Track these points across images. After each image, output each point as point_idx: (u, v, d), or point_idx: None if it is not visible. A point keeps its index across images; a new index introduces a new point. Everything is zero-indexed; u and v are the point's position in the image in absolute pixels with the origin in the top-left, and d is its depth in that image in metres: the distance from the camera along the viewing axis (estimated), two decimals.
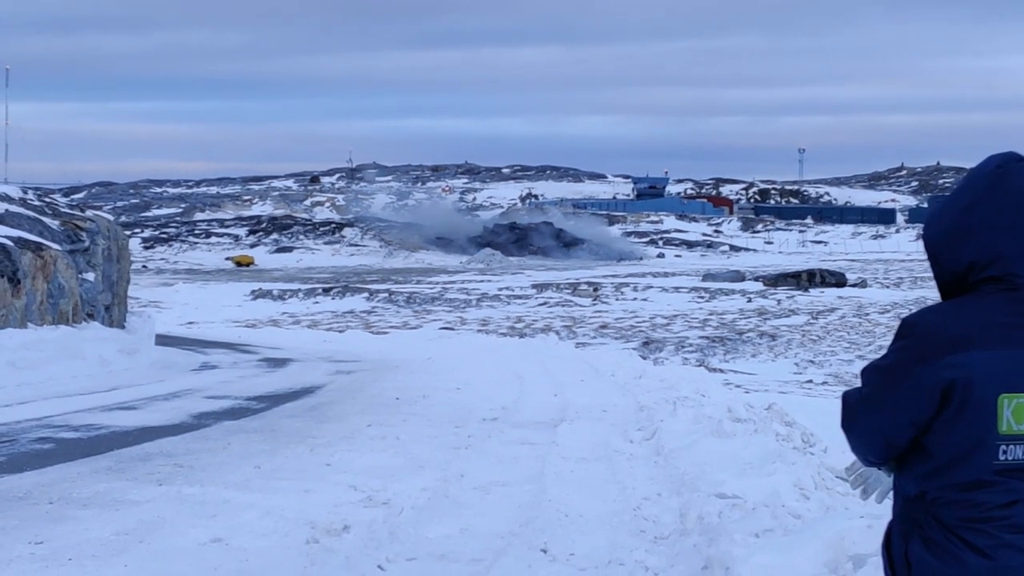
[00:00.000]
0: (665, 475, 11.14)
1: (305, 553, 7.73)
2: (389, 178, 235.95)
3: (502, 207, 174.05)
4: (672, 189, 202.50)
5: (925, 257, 3.40)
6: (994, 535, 3.12)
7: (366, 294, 63.32)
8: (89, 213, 28.40)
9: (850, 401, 3.37)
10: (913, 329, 3.22)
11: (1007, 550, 3.11)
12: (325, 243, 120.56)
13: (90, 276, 24.86)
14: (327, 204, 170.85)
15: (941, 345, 3.15)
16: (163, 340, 28.82)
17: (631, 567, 7.50)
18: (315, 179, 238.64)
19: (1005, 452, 3.12)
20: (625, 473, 11.49)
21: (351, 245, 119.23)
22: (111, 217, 30.52)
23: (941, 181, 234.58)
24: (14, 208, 24.67)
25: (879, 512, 7.69)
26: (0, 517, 8.66)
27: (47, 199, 28.57)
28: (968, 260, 3.24)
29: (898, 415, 3.22)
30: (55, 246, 23.48)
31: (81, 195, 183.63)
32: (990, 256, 3.21)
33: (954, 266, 3.28)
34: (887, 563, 3.31)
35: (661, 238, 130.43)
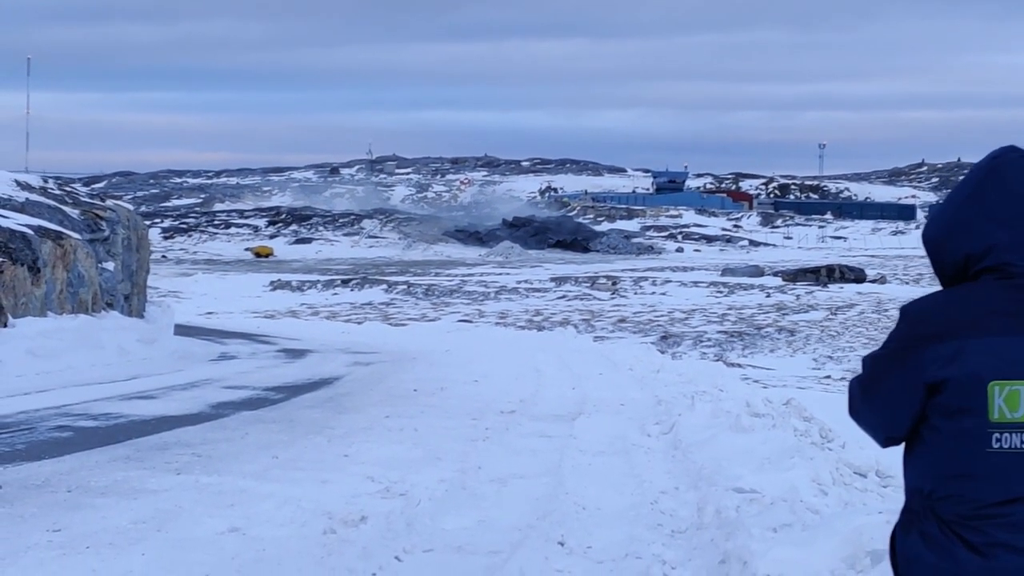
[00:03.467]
0: (683, 469, 11.12)
1: (322, 543, 7.73)
2: (409, 170, 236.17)
3: (521, 200, 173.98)
4: (692, 183, 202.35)
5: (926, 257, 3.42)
6: (989, 533, 3.09)
7: (385, 286, 63.41)
8: (109, 202, 28.47)
9: (853, 389, 3.39)
10: (908, 316, 3.25)
11: (1002, 549, 3.08)
12: (344, 235, 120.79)
13: (110, 265, 24.92)
14: (346, 196, 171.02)
15: (934, 332, 3.16)
16: (182, 330, 28.88)
17: (648, 561, 7.48)
18: (335, 171, 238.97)
19: (999, 440, 3.10)
20: (643, 467, 11.47)
21: (370, 237, 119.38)
22: (131, 207, 30.60)
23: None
24: (35, 197, 24.75)
25: (897, 508, 7.68)
26: (18, 505, 8.68)
27: (67, 188, 28.67)
28: (965, 252, 3.25)
29: (893, 403, 3.23)
30: (75, 235, 23.54)
31: (101, 185, 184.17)
32: (984, 246, 3.22)
33: (954, 259, 3.29)
34: (892, 557, 3.30)
35: (680, 232, 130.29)
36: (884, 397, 3.24)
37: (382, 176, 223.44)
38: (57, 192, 26.64)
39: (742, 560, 6.79)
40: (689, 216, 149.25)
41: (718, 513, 8.30)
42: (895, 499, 9.32)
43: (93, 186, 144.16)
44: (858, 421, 3.38)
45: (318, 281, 66.36)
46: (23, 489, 9.30)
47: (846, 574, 6.24)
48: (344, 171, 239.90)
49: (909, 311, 3.26)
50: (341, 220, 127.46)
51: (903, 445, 3.30)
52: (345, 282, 65.29)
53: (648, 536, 8.28)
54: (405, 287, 62.53)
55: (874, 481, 10.25)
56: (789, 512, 7.91)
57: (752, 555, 6.73)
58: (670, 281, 65.61)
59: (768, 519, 7.73)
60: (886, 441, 3.31)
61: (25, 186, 25.35)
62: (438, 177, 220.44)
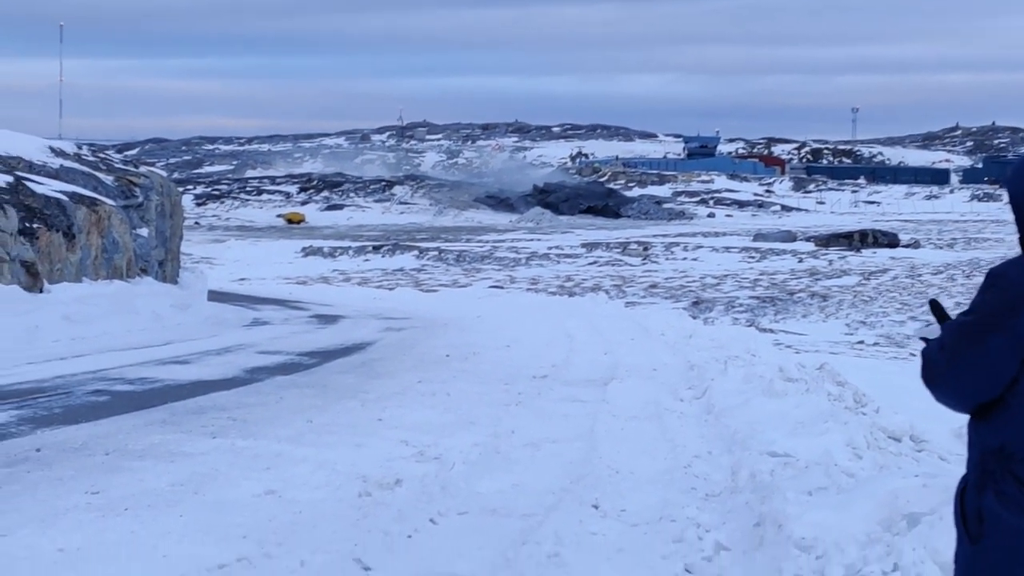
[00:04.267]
0: (716, 433, 11.13)
1: (358, 506, 7.78)
2: (439, 136, 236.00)
3: (552, 166, 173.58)
4: (723, 148, 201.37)
5: (1011, 210, 3.32)
6: None
7: (416, 252, 63.44)
8: (143, 169, 28.58)
9: (931, 355, 3.31)
10: (997, 281, 3.17)
11: None
12: (375, 201, 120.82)
13: (144, 232, 25.04)
14: (377, 162, 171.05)
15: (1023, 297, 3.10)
16: (215, 296, 29.02)
17: (682, 524, 7.49)
18: (365, 137, 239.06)
19: None
20: (676, 431, 11.48)
21: (401, 203, 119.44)
22: (164, 173, 30.71)
23: (996, 141, 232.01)
24: (69, 163, 24.86)
25: (934, 471, 7.67)
26: (57, 467, 8.77)
27: (101, 155, 28.78)
28: None
29: (981, 369, 3.16)
30: (109, 201, 23.65)
31: (134, 151, 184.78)
32: None
33: None
34: (959, 515, 3.26)
35: (712, 198, 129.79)
36: (977, 364, 3.17)
37: (413, 142, 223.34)
38: (91, 159, 26.76)
39: (777, 523, 6.79)
40: (721, 181, 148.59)
41: (752, 477, 8.31)
42: (929, 463, 9.31)
43: (126, 153, 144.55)
44: (936, 388, 3.29)
45: (350, 247, 66.45)
46: (61, 452, 9.39)
47: (882, 537, 6.23)
48: (375, 137, 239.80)
49: (999, 275, 3.18)
50: (372, 186, 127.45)
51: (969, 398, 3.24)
52: (376, 248, 65.35)
53: (682, 499, 8.30)
54: (436, 253, 62.57)
55: (908, 445, 10.24)
56: (824, 476, 7.91)
57: (787, 518, 6.73)
58: (702, 247, 65.40)
59: (803, 482, 7.73)
60: (974, 408, 3.25)
61: (59, 152, 25.47)
62: (469, 143, 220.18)
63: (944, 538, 6.07)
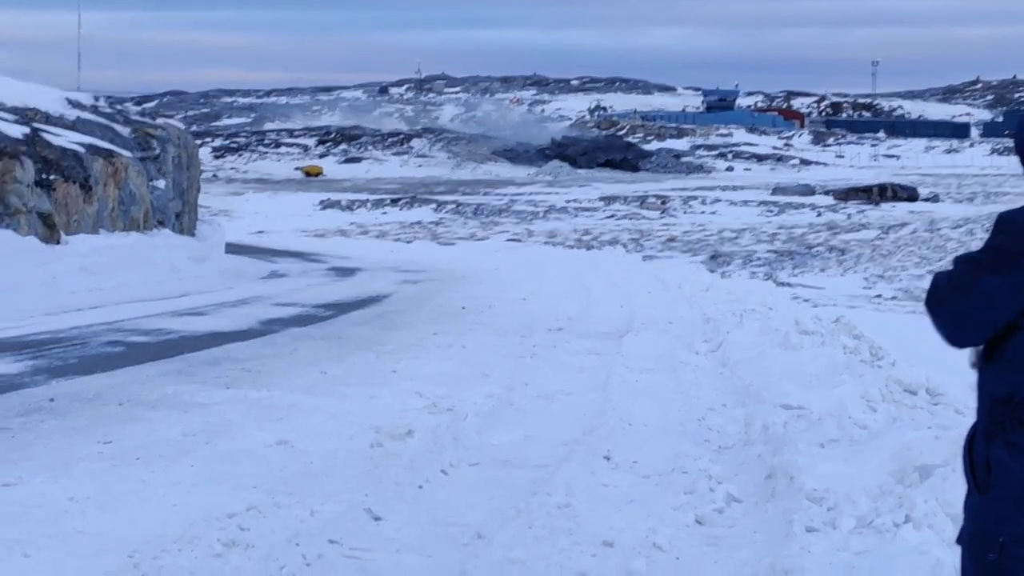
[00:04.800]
0: (730, 386, 11.10)
1: (369, 456, 7.78)
2: (457, 89, 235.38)
3: (570, 119, 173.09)
4: (742, 102, 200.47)
5: (1018, 159, 3.28)
6: None
7: (434, 205, 63.40)
8: (160, 121, 28.55)
9: (938, 282, 3.28)
10: (1006, 226, 3.13)
11: None
12: (393, 154, 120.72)
13: (161, 184, 25.03)
14: (395, 115, 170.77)
15: None
16: (232, 248, 29.03)
17: (694, 475, 7.47)
18: (384, 90, 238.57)
19: None
20: (690, 383, 11.46)
21: (419, 156, 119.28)
22: (182, 126, 30.67)
23: (1017, 95, 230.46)
24: (86, 115, 24.84)
25: (947, 424, 7.63)
26: (71, 417, 8.79)
27: (118, 107, 28.74)
28: None
29: (980, 307, 3.13)
30: (126, 153, 23.64)
31: (152, 104, 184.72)
32: None
33: None
34: (968, 465, 3.23)
35: (730, 151, 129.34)
36: (977, 300, 3.13)
37: (431, 95, 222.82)
38: (108, 110, 26.72)
39: (788, 475, 6.77)
40: (740, 135, 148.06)
41: (765, 429, 8.28)
42: (944, 416, 9.26)
43: (144, 105, 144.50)
44: (936, 315, 3.26)
45: (367, 200, 66.43)
46: (75, 402, 9.41)
47: (894, 489, 6.21)
48: (393, 90, 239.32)
49: (1010, 219, 3.14)
50: (390, 139, 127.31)
51: (980, 357, 3.22)
52: (394, 201, 65.32)
53: (694, 451, 8.28)
54: (454, 206, 62.51)
55: (924, 399, 10.19)
56: (837, 428, 7.88)
57: (799, 470, 6.71)
58: (720, 200, 65.20)
59: (816, 435, 7.71)
60: (961, 341, 3.22)
61: (76, 104, 25.43)
62: (487, 96, 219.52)
63: (956, 490, 6.03)
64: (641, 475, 7.65)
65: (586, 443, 8.47)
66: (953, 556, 5.32)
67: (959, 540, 3.21)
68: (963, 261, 3.21)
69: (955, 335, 3.25)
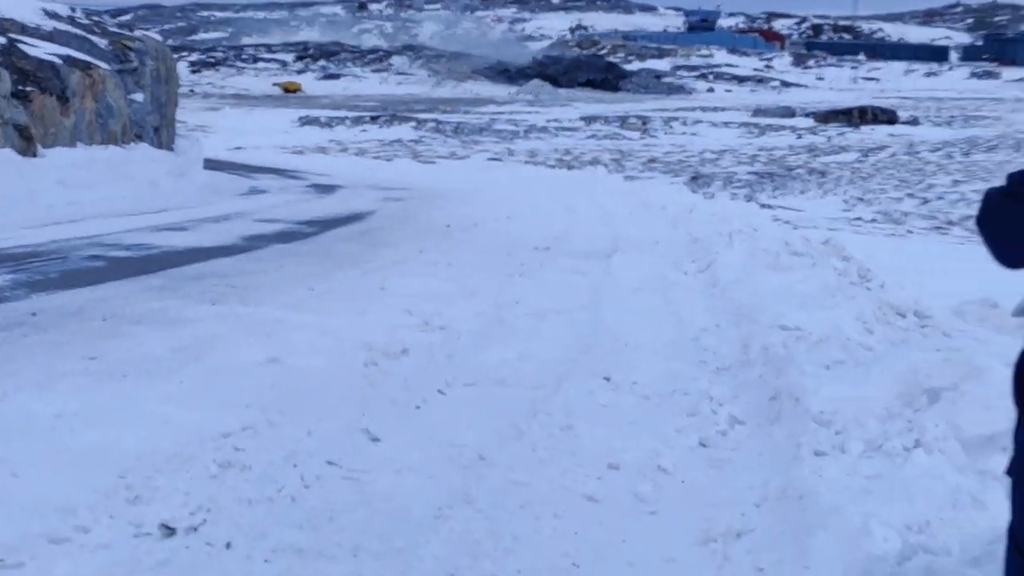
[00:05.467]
0: (722, 306, 10.96)
1: (364, 375, 7.60)
2: (437, 6, 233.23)
3: (551, 39, 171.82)
4: (724, 23, 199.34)
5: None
6: None
7: (413, 123, 62.91)
8: (138, 33, 28.06)
9: (991, 197, 3.11)
10: None
11: None
12: (373, 71, 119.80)
13: (139, 97, 24.63)
14: (375, 32, 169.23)
15: None
16: (211, 164, 28.69)
17: (696, 397, 7.34)
18: (363, 6, 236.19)
19: None
20: (681, 304, 11.32)
21: (399, 74, 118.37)
22: (160, 38, 30.15)
23: (997, 18, 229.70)
24: (62, 26, 24.36)
25: (956, 345, 7.49)
26: (53, 332, 8.58)
27: (95, 18, 28.22)
28: None
29: None
30: (104, 65, 23.22)
31: (128, 17, 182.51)
32: None
33: None
34: (1018, 394, 3.07)
35: (711, 72, 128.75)
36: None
37: (411, 12, 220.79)
38: (85, 22, 26.22)
39: (794, 397, 6.64)
40: (720, 56, 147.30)
41: (765, 350, 8.14)
42: (936, 338, 9.14)
43: (119, 18, 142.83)
44: (984, 230, 3.11)
45: (346, 118, 65.85)
46: (58, 317, 9.20)
47: (902, 412, 6.08)
48: (372, 6, 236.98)
49: None
50: (369, 56, 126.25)
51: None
52: (374, 119, 64.77)
53: (692, 372, 8.15)
54: (434, 125, 62.02)
55: (913, 321, 10.07)
56: (840, 349, 7.75)
57: (804, 391, 6.58)
58: (700, 121, 64.90)
59: (819, 356, 7.57)
60: (1012, 260, 3.06)
61: (53, 15, 24.93)
62: (467, 13, 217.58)
63: (966, 414, 5.92)
64: (641, 396, 7.51)
65: (582, 363, 8.33)
66: (969, 481, 5.21)
67: (1009, 471, 3.05)
68: (1020, 179, 3.04)
69: (1003, 254, 3.08)
